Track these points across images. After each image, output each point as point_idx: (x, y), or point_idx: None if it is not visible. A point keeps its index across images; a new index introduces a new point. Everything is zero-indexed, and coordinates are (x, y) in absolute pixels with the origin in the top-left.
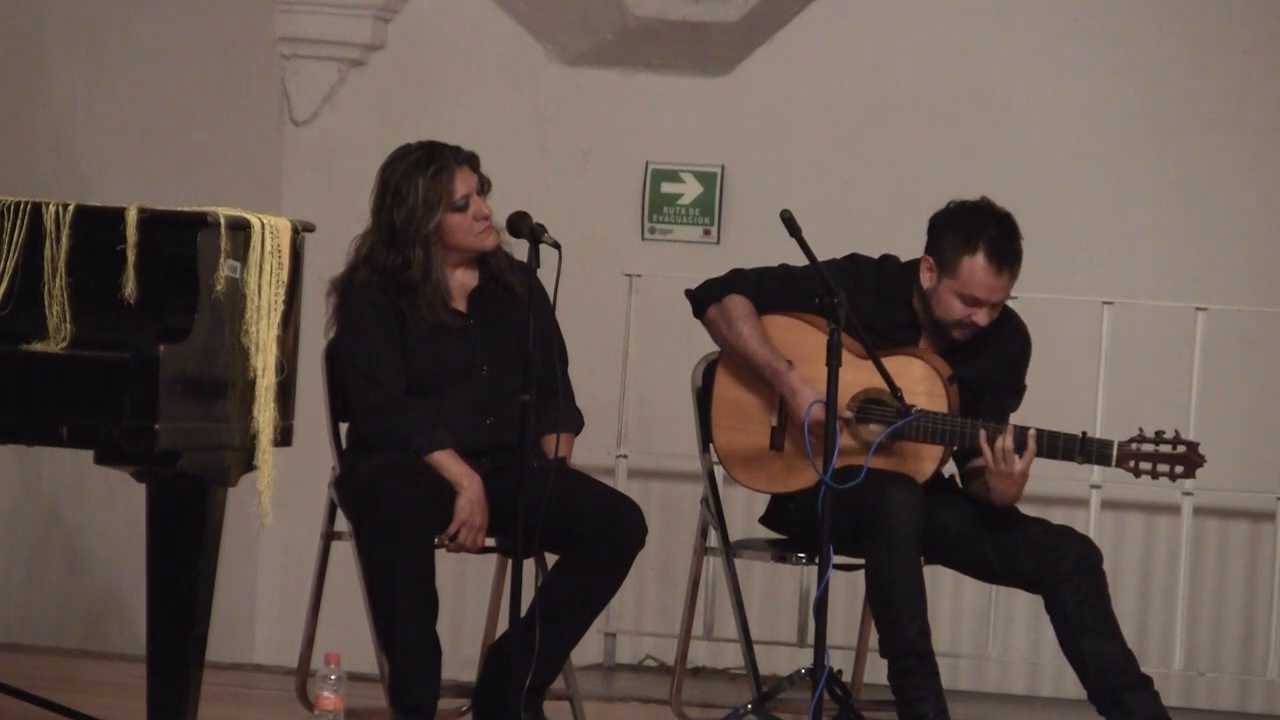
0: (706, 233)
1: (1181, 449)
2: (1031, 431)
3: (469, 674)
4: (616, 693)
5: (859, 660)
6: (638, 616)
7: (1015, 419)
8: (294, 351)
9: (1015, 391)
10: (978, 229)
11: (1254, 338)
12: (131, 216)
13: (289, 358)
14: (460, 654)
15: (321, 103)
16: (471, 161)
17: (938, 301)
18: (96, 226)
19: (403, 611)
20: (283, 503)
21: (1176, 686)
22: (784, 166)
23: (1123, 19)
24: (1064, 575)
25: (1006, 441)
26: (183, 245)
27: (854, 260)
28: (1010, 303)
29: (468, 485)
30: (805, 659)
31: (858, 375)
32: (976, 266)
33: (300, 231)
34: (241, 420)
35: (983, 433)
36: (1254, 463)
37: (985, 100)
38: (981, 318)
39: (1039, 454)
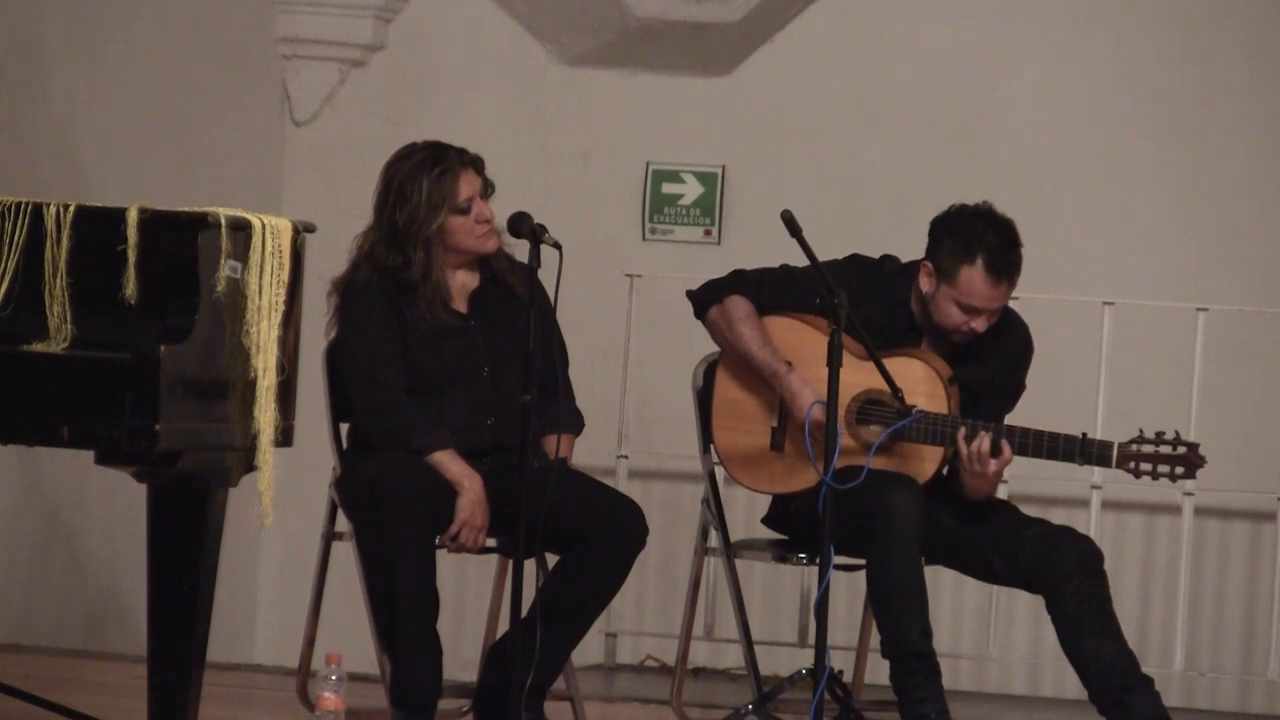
0: (707, 233)
1: (1182, 450)
2: (1004, 439)
3: (470, 674)
4: (617, 693)
5: (860, 661)
6: (638, 617)
7: (1013, 418)
8: (295, 352)
9: (1011, 395)
10: (978, 237)
11: (1254, 338)
12: (132, 217)
13: (290, 358)
14: (461, 654)
15: (322, 103)
16: (476, 164)
17: (936, 308)
18: (97, 227)
19: (404, 612)
20: (283, 503)
21: (1177, 687)
22: (785, 167)
23: (1123, 19)
24: (1065, 575)
25: (983, 444)
26: (183, 245)
27: (855, 260)
28: (1010, 303)
29: (468, 486)
30: (806, 659)
31: (858, 376)
32: (975, 276)
33: (301, 232)
34: (242, 421)
35: (962, 430)
36: (1255, 463)
37: (985, 100)
38: (980, 325)
39: (1040, 456)
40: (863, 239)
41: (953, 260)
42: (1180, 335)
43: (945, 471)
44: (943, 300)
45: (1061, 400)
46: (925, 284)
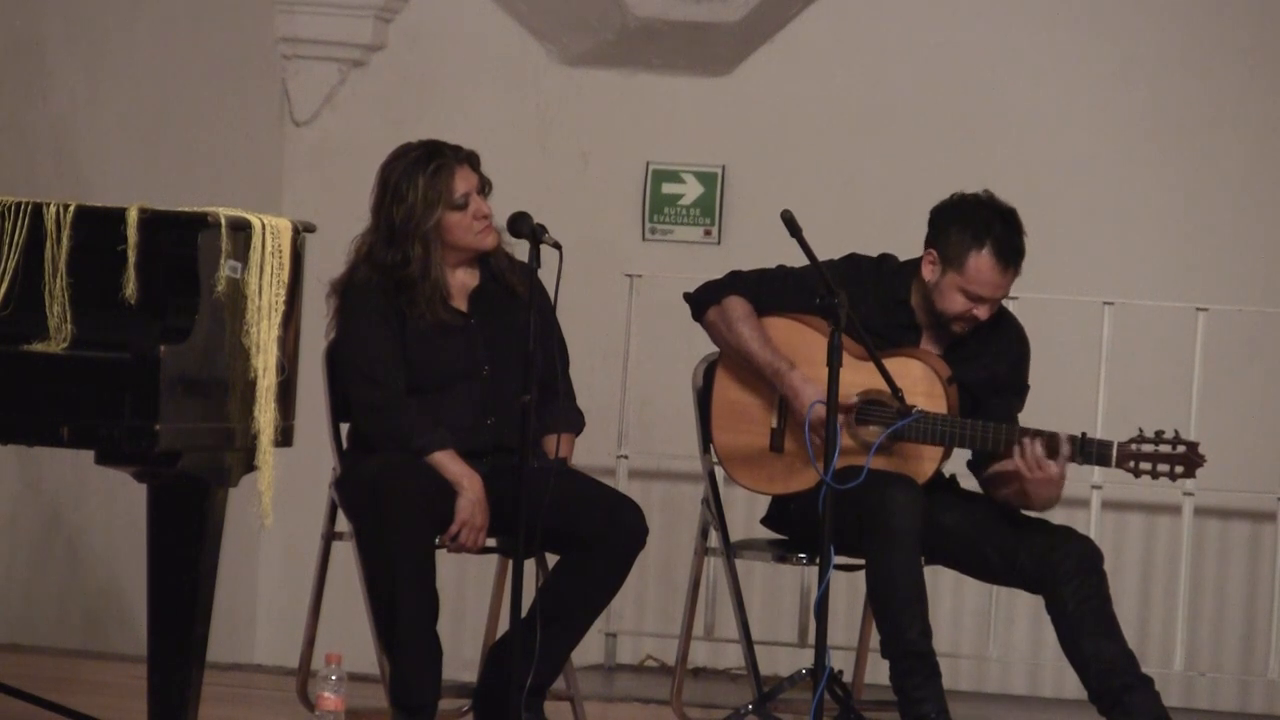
0: (707, 233)
1: (1181, 449)
2: (1064, 435)
3: (470, 674)
4: (617, 693)
5: (860, 660)
6: (638, 617)
7: (1021, 420)
8: (295, 352)
9: (1019, 392)
10: (984, 225)
11: (1254, 338)
12: (132, 217)
13: (290, 358)
14: (461, 654)
15: (322, 103)
16: (471, 160)
17: (940, 295)
18: (97, 227)
19: (404, 612)
20: (283, 503)
21: (1177, 687)
22: (784, 167)
23: (1123, 20)
24: (1065, 576)
25: (1036, 449)
26: (183, 245)
27: (853, 260)
28: (1011, 303)
29: (468, 485)
30: (806, 659)
31: (857, 376)
32: (983, 263)
33: (301, 232)
34: (242, 421)
35: (1017, 446)
36: (1254, 463)
37: (985, 101)
38: (983, 313)
39: None
40: (862, 239)
41: (960, 247)
42: (1180, 335)
43: (984, 490)
44: (947, 288)
45: (1061, 400)
46: (928, 272)
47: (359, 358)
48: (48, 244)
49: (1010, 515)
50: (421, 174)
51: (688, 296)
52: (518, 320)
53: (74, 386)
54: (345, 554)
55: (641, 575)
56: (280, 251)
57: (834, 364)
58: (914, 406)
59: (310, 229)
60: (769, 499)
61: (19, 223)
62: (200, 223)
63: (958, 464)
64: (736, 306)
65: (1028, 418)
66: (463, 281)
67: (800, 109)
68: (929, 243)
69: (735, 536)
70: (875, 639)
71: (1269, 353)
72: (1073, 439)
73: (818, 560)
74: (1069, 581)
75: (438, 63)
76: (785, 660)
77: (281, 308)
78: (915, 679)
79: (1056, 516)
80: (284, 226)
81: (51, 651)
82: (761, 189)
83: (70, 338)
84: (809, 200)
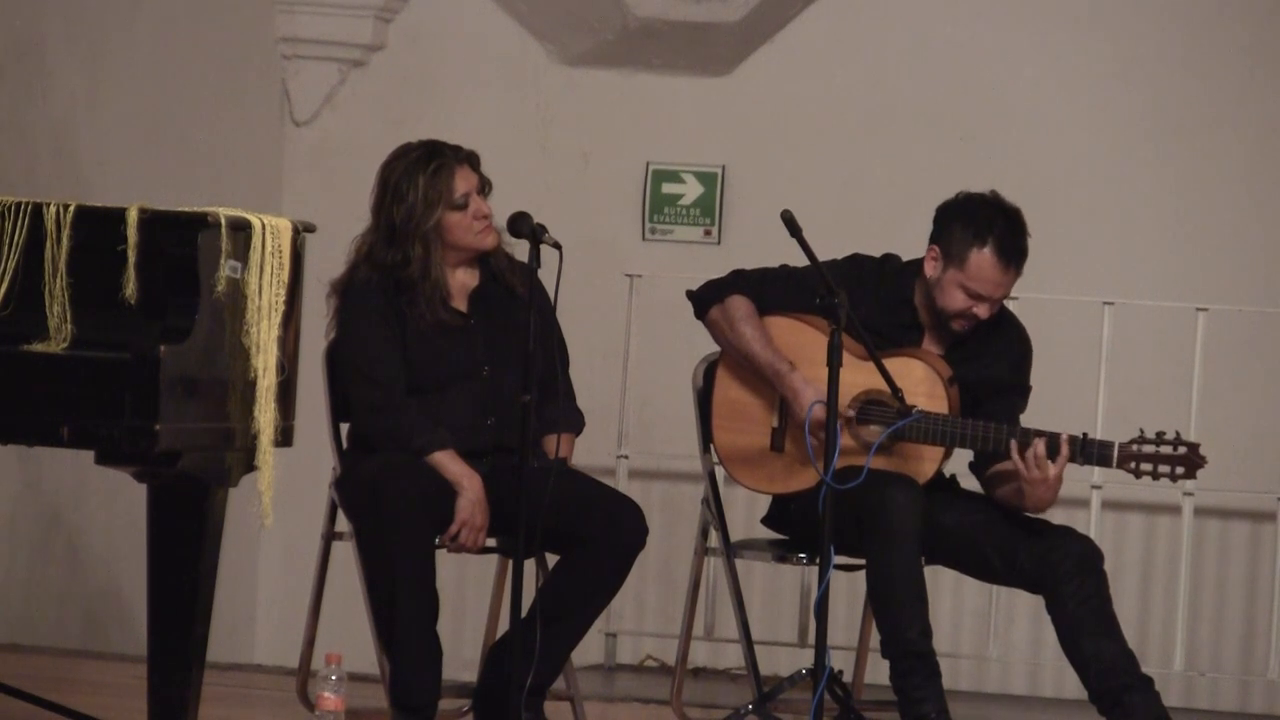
0: (707, 233)
1: (1182, 450)
2: (1065, 436)
3: (470, 674)
4: (617, 693)
5: (860, 660)
6: (638, 617)
7: (1022, 420)
8: (295, 352)
9: (1021, 393)
10: (987, 223)
11: (1254, 338)
12: (132, 217)
13: (290, 358)
14: (461, 654)
15: (322, 103)
16: (471, 160)
17: (940, 291)
18: (97, 227)
19: (403, 612)
20: (283, 503)
21: (1177, 687)
22: (785, 167)
23: (1123, 19)
24: (1065, 575)
25: (1039, 449)
26: (183, 245)
27: (855, 260)
28: (1011, 303)
29: (468, 485)
30: (806, 659)
31: (858, 376)
32: (984, 261)
33: (301, 232)
34: (242, 421)
35: (1014, 442)
36: (1255, 463)
37: (985, 100)
38: (983, 311)
39: None
40: (863, 239)
41: (963, 244)
42: (1180, 335)
43: (985, 490)
44: (948, 285)
45: (1061, 400)
46: (930, 269)
47: (359, 358)
48: (48, 244)
49: (1010, 515)
50: (421, 174)
51: (690, 294)
52: (517, 320)
53: (74, 386)
54: (345, 554)
55: (641, 575)
56: (280, 251)
57: (834, 364)
58: (914, 406)
59: (310, 229)
60: (769, 499)
61: (19, 223)
62: (200, 223)
63: (958, 464)
64: (739, 306)
65: (1027, 418)
66: (463, 281)
67: (800, 109)
68: (933, 239)
69: (735, 536)
70: (875, 639)
71: (1269, 353)
72: (1073, 440)
73: (818, 560)
74: (1069, 581)
75: (438, 63)
76: (785, 660)
77: (281, 308)
78: (915, 679)
79: (1056, 516)
80: (284, 226)
81: (51, 651)
82: (761, 189)
83: (70, 338)
84: (809, 200)
